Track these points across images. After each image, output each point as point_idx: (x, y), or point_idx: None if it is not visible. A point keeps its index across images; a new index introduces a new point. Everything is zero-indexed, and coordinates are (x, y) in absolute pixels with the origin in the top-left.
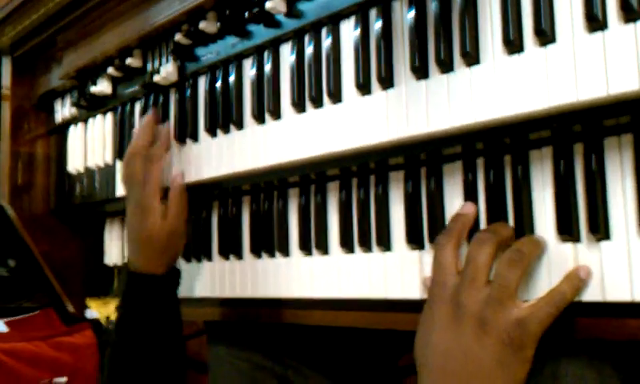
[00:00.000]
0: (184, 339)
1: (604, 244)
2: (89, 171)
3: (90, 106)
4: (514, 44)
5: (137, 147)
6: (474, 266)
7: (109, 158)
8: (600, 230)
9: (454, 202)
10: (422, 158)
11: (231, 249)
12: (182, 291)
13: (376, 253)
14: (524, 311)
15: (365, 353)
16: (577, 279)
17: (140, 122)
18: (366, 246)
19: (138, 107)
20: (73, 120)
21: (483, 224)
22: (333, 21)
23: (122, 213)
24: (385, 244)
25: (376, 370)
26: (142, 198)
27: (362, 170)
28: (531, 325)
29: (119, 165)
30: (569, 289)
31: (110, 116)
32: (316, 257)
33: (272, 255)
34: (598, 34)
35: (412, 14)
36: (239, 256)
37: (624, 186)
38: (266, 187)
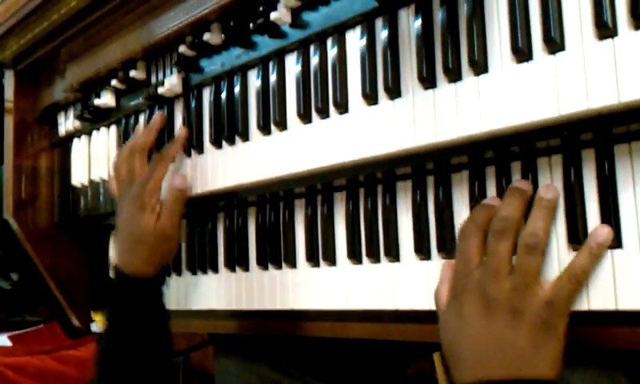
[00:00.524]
0: (171, 340)
1: (616, 252)
2: (93, 184)
3: (94, 119)
4: (522, 52)
5: (138, 144)
6: (497, 258)
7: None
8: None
9: (461, 212)
10: (429, 167)
11: (237, 260)
12: (189, 303)
13: (384, 263)
14: (550, 291)
15: (371, 362)
16: (594, 247)
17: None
18: (374, 257)
19: (142, 119)
20: (76, 133)
21: None
22: (338, 31)
23: None
24: (393, 255)
25: (383, 380)
26: (140, 195)
27: (369, 180)
28: (559, 303)
29: None
30: (587, 259)
31: (113, 128)
32: (323, 268)
33: (278, 267)
34: (608, 41)
35: (419, 22)
36: (245, 268)
37: (635, 193)
38: (272, 198)
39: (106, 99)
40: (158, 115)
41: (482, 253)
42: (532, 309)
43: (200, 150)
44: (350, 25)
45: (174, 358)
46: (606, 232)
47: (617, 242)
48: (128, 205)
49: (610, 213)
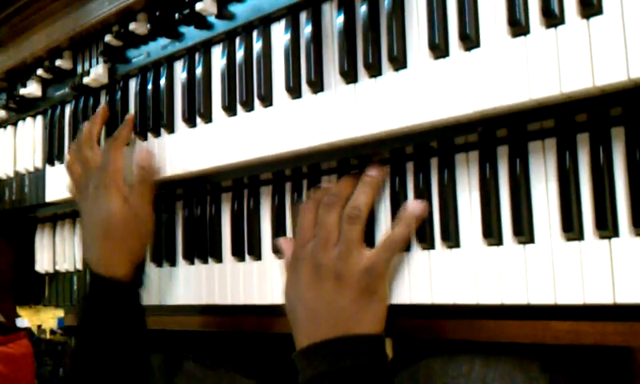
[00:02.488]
0: (149, 346)
1: (528, 247)
2: (18, 175)
3: (20, 109)
4: (439, 48)
5: (87, 135)
6: (325, 228)
7: (39, 162)
8: (524, 233)
9: (380, 205)
10: (353, 162)
11: (165, 255)
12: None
13: None
14: (368, 260)
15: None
16: (410, 220)
17: (70, 125)
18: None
19: (68, 110)
20: (2, 123)
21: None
22: (264, 23)
23: (53, 218)
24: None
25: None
26: (103, 179)
27: (295, 174)
28: (377, 268)
29: (49, 169)
30: (402, 231)
31: (39, 119)
32: (234, 264)
33: (204, 261)
34: (521, 39)
35: (341, 18)
36: (173, 263)
37: (547, 190)
38: (200, 192)
39: (32, 89)
40: (103, 107)
41: (314, 227)
42: (354, 274)
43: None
44: (275, 17)
45: None
46: (419, 206)
47: (529, 238)
48: (91, 193)
49: (523, 208)
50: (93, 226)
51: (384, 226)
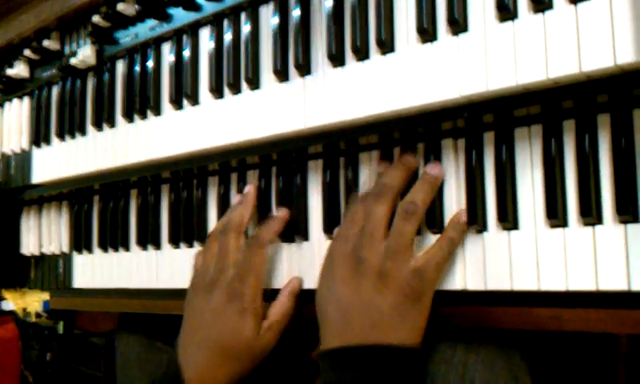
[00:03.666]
0: None
1: (513, 233)
2: (5, 157)
3: (6, 90)
4: (427, 32)
5: (239, 220)
6: (372, 221)
7: (25, 144)
8: (509, 219)
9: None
10: (341, 146)
11: (150, 238)
12: (101, 281)
13: (296, 242)
14: (420, 261)
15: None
16: (460, 223)
17: (57, 106)
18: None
19: (55, 91)
20: None
21: None
22: (252, 5)
23: (39, 201)
24: (303, 234)
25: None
26: (242, 290)
27: (282, 158)
28: (428, 273)
29: (35, 151)
30: (455, 234)
31: (26, 100)
32: None
33: (190, 245)
34: (509, 24)
35: (330, 1)
36: (158, 247)
37: (533, 176)
38: (185, 175)
39: (19, 70)
40: (252, 188)
41: (362, 220)
42: (401, 274)
43: (112, 123)
44: (264, 0)
45: (96, 339)
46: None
47: (514, 224)
48: (222, 300)
49: (508, 194)
50: (206, 339)
51: None
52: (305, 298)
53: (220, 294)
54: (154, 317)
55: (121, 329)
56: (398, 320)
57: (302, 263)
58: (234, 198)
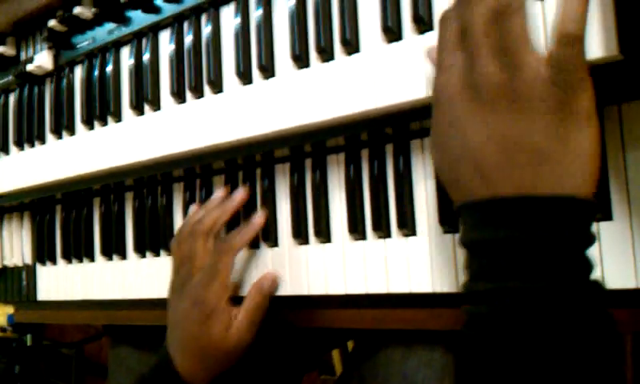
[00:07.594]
0: None
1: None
2: None
3: None
4: (392, 31)
5: (211, 223)
6: (474, 35)
7: None
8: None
9: (335, 195)
10: (306, 149)
11: (115, 248)
12: (66, 293)
13: (263, 248)
14: (549, 54)
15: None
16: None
17: (15, 114)
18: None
19: (12, 99)
20: None
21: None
22: (213, 5)
23: (0, 212)
24: (272, 239)
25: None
26: (204, 299)
27: (247, 162)
28: (565, 60)
29: None
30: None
31: None
32: None
33: (157, 255)
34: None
35: (292, 0)
36: (123, 256)
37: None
38: (149, 182)
39: None
40: (243, 193)
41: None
42: (535, 84)
43: (71, 131)
44: (224, 0)
45: (65, 350)
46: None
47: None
48: (187, 305)
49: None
50: (181, 338)
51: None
52: (282, 304)
53: (186, 299)
54: (143, 327)
55: (113, 341)
56: (558, 148)
57: (274, 268)
58: (218, 192)
